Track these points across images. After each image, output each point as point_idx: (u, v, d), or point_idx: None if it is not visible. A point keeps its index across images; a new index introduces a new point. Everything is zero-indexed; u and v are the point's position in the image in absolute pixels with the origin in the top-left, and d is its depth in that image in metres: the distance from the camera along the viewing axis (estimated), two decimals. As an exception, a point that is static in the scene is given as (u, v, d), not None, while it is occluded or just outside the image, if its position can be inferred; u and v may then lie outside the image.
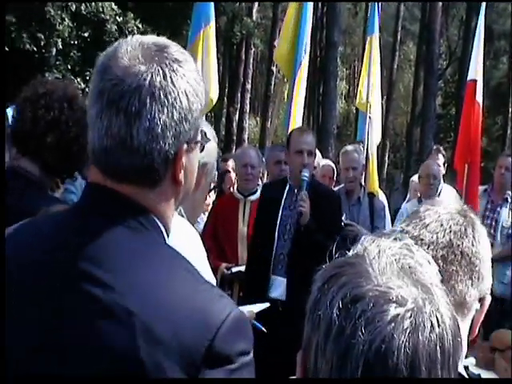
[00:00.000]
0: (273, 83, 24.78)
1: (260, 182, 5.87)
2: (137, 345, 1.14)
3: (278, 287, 4.62)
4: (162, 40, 1.32)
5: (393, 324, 0.88)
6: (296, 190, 4.65)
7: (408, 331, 0.88)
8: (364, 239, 1.02)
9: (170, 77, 1.25)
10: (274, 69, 24.33)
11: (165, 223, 1.32)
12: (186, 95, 1.26)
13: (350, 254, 1.01)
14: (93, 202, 1.31)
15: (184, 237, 2.07)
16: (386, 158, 32.54)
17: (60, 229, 1.31)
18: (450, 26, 34.98)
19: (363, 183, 6.13)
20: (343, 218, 5.39)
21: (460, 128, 6.99)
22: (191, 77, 1.29)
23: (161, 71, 1.24)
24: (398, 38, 33.53)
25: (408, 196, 7.77)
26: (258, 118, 35.31)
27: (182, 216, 2.27)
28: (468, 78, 6.84)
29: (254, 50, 25.95)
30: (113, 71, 1.25)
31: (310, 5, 6.65)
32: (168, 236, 1.33)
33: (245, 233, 5.24)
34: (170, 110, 1.24)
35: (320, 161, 6.62)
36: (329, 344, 0.92)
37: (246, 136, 24.91)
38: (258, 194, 5.19)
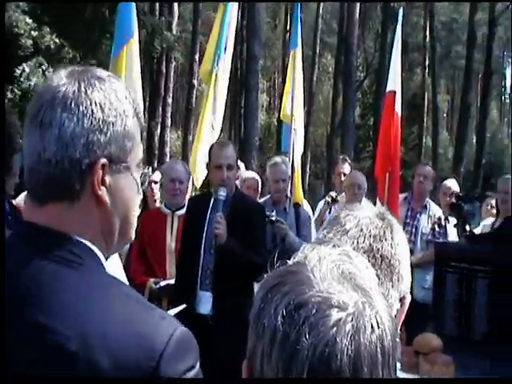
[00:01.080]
0: (194, 96, 24.74)
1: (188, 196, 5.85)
2: None
3: (206, 303, 4.57)
4: (97, 68, 1.35)
5: (335, 328, 0.91)
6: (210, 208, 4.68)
7: (350, 334, 0.91)
8: (304, 247, 1.05)
9: (85, 87, 1.26)
10: (194, 82, 24.31)
11: (99, 246, 1.28)
12: (101, 107, 1.25)
13: (291, 262, 1.04)
14: (25, 241, 1.27)
15: None
16: (308, 169, 32.94)
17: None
18: (367, 39, 35.84)
19: (289, 194, 6.20)
20: (273, 214, 5.44)
21: (380, 138, 7.11)
22: (111, 93, 1.28)
23: (76, 84, 1.26)
24: (317, 50, 34.18)
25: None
26: (179, 132, 35.13)
27: None
28: (387, 89, 6.98)
29: (174, 63, 25.84)
30: (39, 92, 1.28)
31: (234, 7, 6.72)
32: (106, 259, 1.31)
33: (173, 248, 5.16)
34: (80, 118, 1.24)
35: (244, 173, 6.66)
36: (274, 351, 0.94)
37: (167, 150, 24.75)
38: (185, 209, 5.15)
